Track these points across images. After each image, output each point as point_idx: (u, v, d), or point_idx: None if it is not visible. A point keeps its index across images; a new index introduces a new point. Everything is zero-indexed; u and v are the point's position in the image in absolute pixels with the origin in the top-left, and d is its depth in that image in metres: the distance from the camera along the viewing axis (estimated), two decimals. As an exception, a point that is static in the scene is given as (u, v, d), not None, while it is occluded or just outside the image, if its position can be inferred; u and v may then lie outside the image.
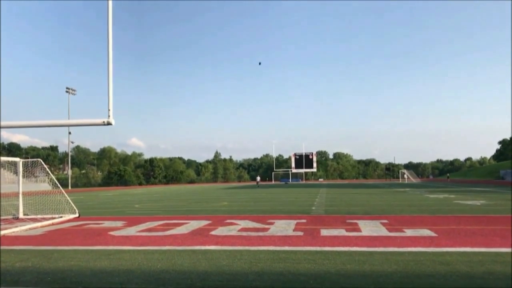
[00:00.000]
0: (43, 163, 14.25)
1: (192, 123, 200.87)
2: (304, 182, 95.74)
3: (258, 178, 62.74)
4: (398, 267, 5.77)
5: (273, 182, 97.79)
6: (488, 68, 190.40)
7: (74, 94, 74.84)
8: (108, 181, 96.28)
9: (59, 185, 14.25)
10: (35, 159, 14.22)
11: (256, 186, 54.67)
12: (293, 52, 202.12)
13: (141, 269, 5.90)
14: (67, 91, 73.61)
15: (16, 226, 11.12)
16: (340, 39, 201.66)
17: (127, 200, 26.91)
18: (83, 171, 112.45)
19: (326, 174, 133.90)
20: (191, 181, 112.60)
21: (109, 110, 8.21)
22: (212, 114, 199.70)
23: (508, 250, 6.91)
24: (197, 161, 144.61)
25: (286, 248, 7.44)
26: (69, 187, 69.29)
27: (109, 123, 8.18)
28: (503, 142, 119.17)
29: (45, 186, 15.48)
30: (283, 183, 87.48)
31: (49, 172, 14.23)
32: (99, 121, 8.21)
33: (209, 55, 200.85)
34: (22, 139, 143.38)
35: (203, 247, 7.61)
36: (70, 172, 79.81)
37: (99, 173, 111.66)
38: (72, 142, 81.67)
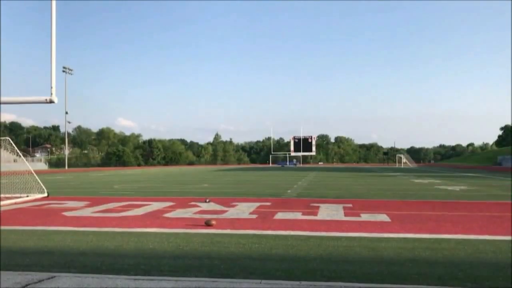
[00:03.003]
0: (11, 142, 14.08)
1: (192, 104, 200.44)
2: (301, 165, 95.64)
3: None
4: (324, 252, 5.61)
5: (270, 165, 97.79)
6: (492, 54, 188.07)
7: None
8: (107, 161, 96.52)
9: (28, 164, 14.11)
10: (4, 138, 14.04)
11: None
12: (294, 32, 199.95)
13: (61, 250, 5.77)
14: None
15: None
16: (341, 16, 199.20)
17: (112, 180, 26.86)
18: (85, 151, 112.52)
19: (326, 158, 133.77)
20: (190, 163, 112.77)
21: (51, 87, 7.97)
22: (213, 95, 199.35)
23: (447, 236, 6.71)
24: (199, 143, 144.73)
25: (227, 231, 7.27)
26: (66, 167, 69.52)
27: (51, 101, 7.96)
28: (505, 128, 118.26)
29: (15, 166, 15.36)
30: (280, 166, 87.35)
31: (18, 151, 14.06)
32: (41, 98, 7.98)
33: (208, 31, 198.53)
34: (8, 118, 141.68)
35: (142, 229, 7.46)
36: (67, 152, 79.99)
37: (100, 153, 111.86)
38: (69, 122, 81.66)
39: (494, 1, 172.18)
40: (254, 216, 9.11)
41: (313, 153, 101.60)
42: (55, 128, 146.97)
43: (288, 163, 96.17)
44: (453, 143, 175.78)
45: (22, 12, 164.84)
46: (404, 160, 78.46)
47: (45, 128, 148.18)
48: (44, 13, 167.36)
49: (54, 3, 8.10)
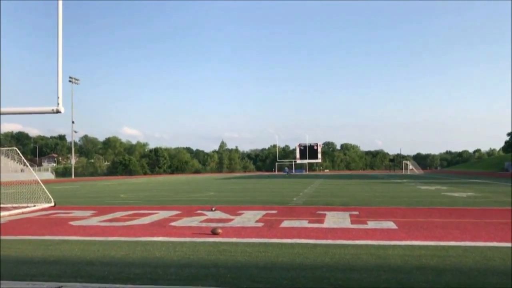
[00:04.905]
0: (18, 151, 14.19)
1: (196, 112, 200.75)
2: (307, 172, 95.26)
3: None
4: (331, 260, 5.58)
5: (276, 172, 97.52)
6: (499, 59, 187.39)
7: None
8: (113, 170, 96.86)
9: (34, 173, 14.20)
10: (11, 148, 14.16)
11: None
12: (300, 41, 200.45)
13: (68, 260, 5.79)
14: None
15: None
16: (347, 26, 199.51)
17: (119, 189, 26.93)
18: (91, 160, 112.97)
19: (332, 165, 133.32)
20: (196, 171, 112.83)
21: (58, 97, 8.05)
22: (217, 103, 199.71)
23: (455, 243, 6.67)
24: (205, 151, 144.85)
25: (233, 239, 7.26)
26: (72, 176, 69.81)
27: (58, 111, 8.03)
28: (511, 134, 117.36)
29: (22, 176, 15.46)
30: (285, 173, 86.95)
31: (25, 161, 14.16)
32: (48, 109, 8.06)
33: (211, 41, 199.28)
34: (14, 127, 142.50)
35: (149, 238, 7.47)
36: (73, 161, 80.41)
37: (106, 162, 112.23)
38: (76, 132, 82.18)
39: (498, 5, 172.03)
40: (260, 225, 9.09)
41: (319, 161, 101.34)
42: (62, 138, 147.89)
43: (294, 170, 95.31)
44: (459, 149, 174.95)
45: (27, 22, 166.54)
46: (410, 166, 78.06)
47: (52, 137, 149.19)
48: (51, 19, 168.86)
49: (60, 12, 8.22)
